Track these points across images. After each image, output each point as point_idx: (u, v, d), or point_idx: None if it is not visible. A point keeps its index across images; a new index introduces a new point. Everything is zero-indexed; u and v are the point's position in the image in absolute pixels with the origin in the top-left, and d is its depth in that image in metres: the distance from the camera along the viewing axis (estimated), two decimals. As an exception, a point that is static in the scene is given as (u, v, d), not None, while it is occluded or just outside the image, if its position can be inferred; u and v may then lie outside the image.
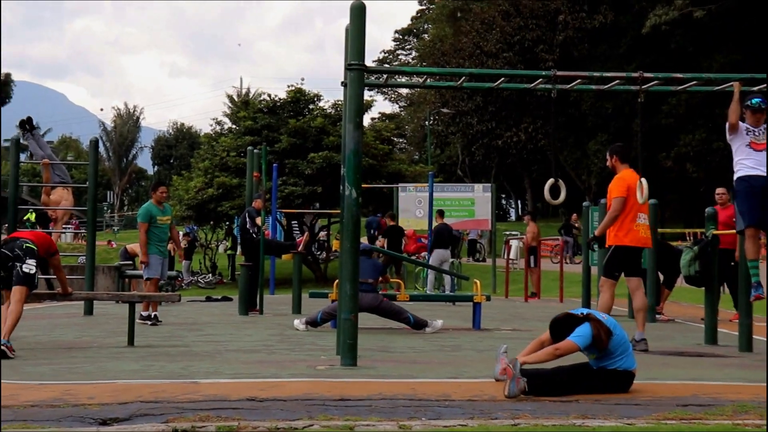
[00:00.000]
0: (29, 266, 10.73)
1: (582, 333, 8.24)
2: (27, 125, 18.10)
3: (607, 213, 11.92)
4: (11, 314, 10.62)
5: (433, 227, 25.67)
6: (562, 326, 8.45)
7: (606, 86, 11.32)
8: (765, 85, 11.01)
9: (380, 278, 14.99)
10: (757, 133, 10.64)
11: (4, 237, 11.80)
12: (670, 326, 16.11)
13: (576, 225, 38.83)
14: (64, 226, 18.85)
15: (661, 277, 17.68)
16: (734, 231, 12.88)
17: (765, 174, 10.52)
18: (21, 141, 18.02)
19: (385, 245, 26.79)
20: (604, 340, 8.22)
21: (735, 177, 10.76)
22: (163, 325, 15.07)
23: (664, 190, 55.06)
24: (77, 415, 7.02)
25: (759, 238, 10.98)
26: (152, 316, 15.16)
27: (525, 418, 6.97)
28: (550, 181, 10.86)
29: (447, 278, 24.78)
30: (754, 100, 10.69)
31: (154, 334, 13.61)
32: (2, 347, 10.35)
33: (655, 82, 11.01)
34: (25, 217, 17.10)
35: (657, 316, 16.98)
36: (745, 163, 10.63)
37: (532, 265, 25.70)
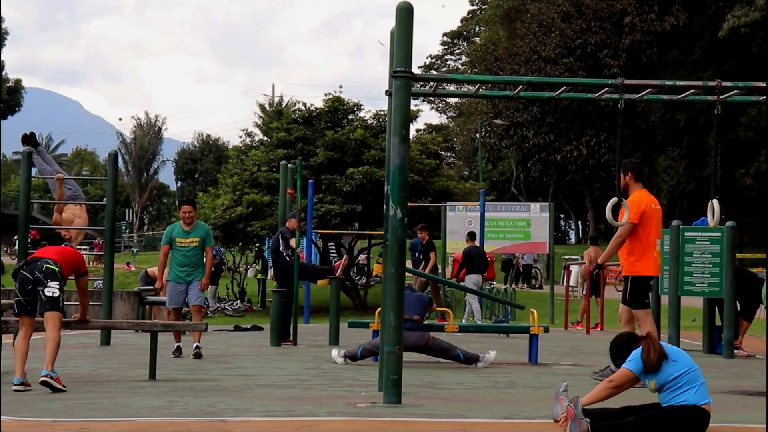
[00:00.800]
0: (52, 289, 10.64)
1: (634, 356, 8.32)
2: (31, 141, 18.21)
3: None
4: (50, 342, 10.68)
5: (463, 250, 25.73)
6: (621, 349, 8.51)
7: (679, 96, 11.27)
8: None
9: (427, 313, 14.97)
10: None
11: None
12: (750, 363, 15.97)
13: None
14: (78, 246, 18.92)
15: (739, 307, 17.50)
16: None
17: None
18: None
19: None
20: (653, 360, 8.22)
21: None
22: (187, 358, 15.12)
23: (743, 211, 54.68)
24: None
25: None
26: (176, 347, 15.27)
27: (588, 464, 6.96)
28: (613, 200, 10.82)
29: (472, 305, 24.68)
30: None
31: (178, 367, 13.66)
32: (45, 378, 10.52)
33: (735, 91, 10.94)
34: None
35: (735, 351, 16.86)
36: None
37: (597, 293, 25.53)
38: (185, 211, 15.88)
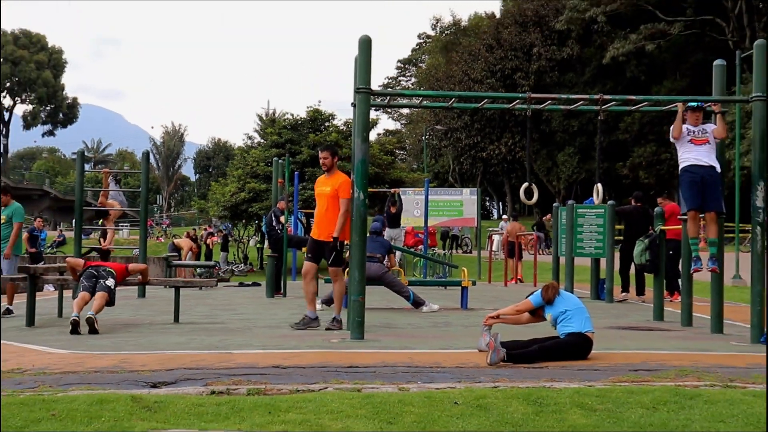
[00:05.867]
0: (110, 282, 11.60)
1: (536, 292, 8.63)
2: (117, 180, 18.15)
3: (341, 213, 10.93)
4: (96, 300, 11.24)
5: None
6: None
7: (572, 106, 11.27)
8: (706, 105, 10.99)
9: (387, 255, 14.83)
10: (696, 133, 10.54)
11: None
12: (625, 306, 16.08)
13: (548, 223, 38.71)
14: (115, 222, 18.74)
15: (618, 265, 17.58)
16: (675, 227, 12.94)
17: (704, 164, 10.43)
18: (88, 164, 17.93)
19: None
20: (549, 294, 8.52)
21: (680, 168, 10.63)
22: (202, 306, 15.05)
23: (621, 194, 55.07)
24: (132, 380, 7.05)
25: (699, 219, 10.90)
26: (6, 309, 13.78)
27: (503, 382, 6.99)
28: (525, 184, 10.83)
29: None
30: (691, 104, 10.68)
31: (196, 314, 13.60)
32: (90, 317, 10.71)
33: (613, 103, 10.97)
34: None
35: (622, 296, 17.05)
36: (687, 156, 10.49)
37: (513, 256, 25.66)
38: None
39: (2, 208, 13.88)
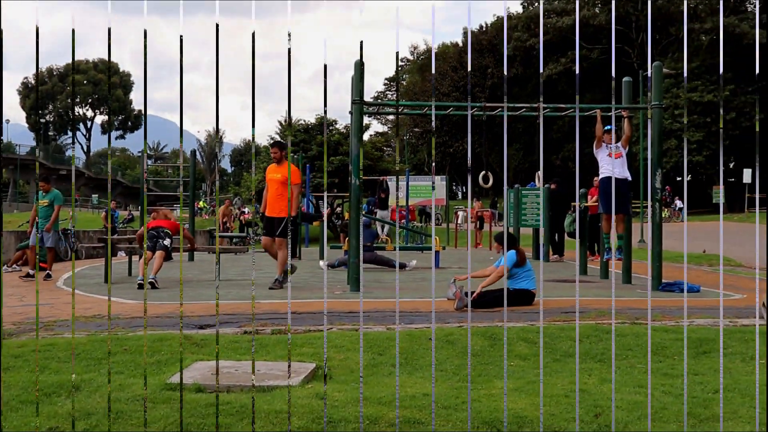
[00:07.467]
0: (167, 242, 11.44)
1: (510, 256, 8.53)
2: None
3: (292, 196, 9.99)
4: (156, 261, 11.08)
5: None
6: (503, 238, 8.82)
7: (517, 113, 11.25)
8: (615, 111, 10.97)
9: (375, 240, 14.85)
10: (613, 147, 10.50)
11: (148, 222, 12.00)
12: (559, 265, 16.09)
13: (498, 202, 38.75)
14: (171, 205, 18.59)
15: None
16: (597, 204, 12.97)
17: (618, 177, 10.41)
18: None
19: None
20: (522, 258, 8.50)
21: (600, 177, 10.66)
22: (237, 267, 14.96)
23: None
24: (184, 323, 7.03)
25: (611, 219, 10.92)
26: (47, 274, 12.60)
27: (466, 323, 6.99)
28: (482, 173, 10.83)
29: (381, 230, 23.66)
30: (607, 127, 10.66)
31: (232, 273, 13.55)
32: (152, 281, 10.52)
33: (548, 109, 10.96)
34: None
35: (557, 256, 17.00)
36: (607, 168, 10.49)
37: (478, 227, 25.64)
38: (41, 186, 12.92)
39: (44, 194, 12.98)
